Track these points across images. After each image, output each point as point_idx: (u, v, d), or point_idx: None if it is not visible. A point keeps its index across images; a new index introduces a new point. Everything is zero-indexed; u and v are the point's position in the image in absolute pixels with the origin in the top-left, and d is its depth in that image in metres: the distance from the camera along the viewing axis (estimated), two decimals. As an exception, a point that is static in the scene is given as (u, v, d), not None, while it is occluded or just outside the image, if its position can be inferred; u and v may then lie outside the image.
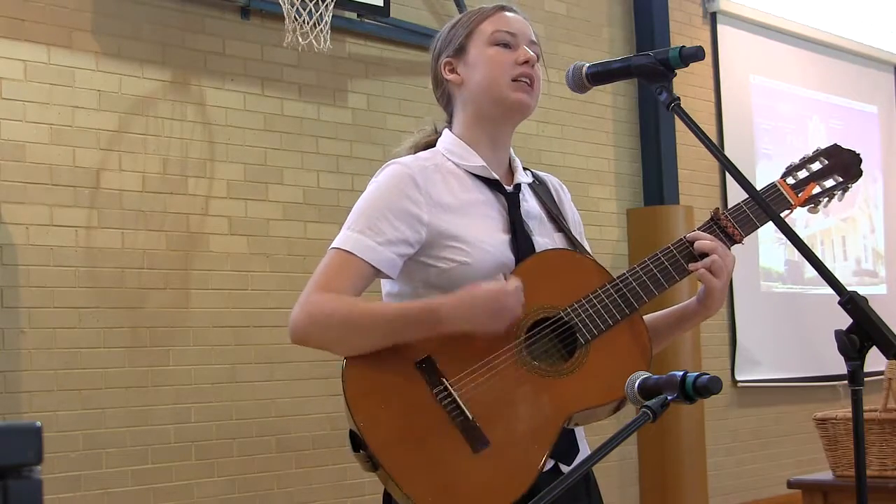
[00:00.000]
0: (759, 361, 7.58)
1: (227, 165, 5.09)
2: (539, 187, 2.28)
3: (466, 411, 2.01)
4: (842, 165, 2.28)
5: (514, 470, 2.00)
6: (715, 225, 2.18)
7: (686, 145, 7.11)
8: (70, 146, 4.63)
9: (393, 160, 2.19)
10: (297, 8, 4.86)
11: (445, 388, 2.02)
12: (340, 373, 2.05)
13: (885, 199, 8.99)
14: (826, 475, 3.79)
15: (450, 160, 2.19)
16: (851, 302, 1.69)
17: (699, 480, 6.72)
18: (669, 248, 2.16)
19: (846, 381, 1.72)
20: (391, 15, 5.54)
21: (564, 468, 2.10)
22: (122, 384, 4.68)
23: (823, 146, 2.31)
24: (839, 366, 1.70)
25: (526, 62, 2.17)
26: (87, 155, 4.67)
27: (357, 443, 2.03)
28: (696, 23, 7.60)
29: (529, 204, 2.22)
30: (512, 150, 2.28)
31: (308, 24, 4.87)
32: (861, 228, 8.78)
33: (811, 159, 2.28)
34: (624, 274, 2.13)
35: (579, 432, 2.18)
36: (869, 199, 8.89)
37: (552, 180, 2.34)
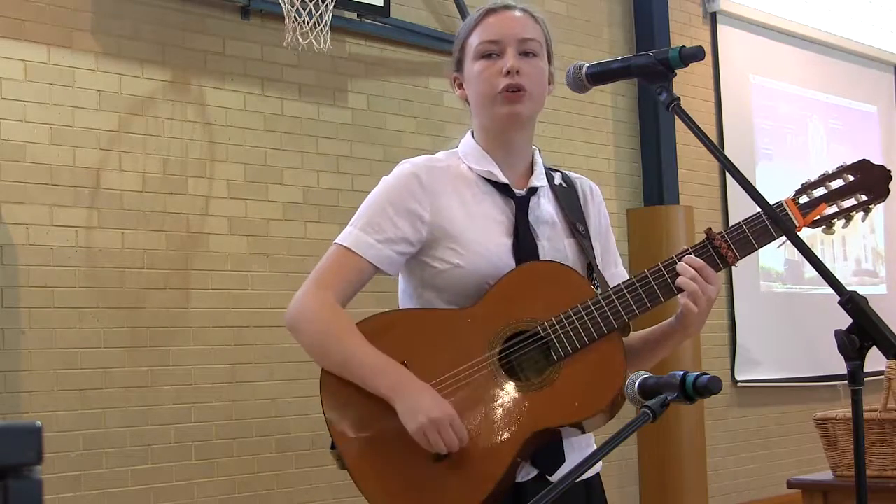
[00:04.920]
0: (759, 361, 7.58)
1: (227, 165, 5.09)
2: (564, 191, 2.26)
3: None
4: (868, 182, 2.15)
5: (470, 481, 2.01)
6: (709, 245, 2.10)
7: (686, 145, 7.11)
8: (70, 146, 4.63)
9: (405, 160, 2.21)
10: (297, 8, 4.86)
11: None
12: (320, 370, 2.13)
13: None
14: (826, 475, 3.79)
15: (464, 163, 2.21)
16: (851, 302, 1.69)
17: (699, 480, 6.72)
18: (658, 266, 2.10)
19: (846, 381, 1.71)
20: (391, 15, 5.54)
21: (550, 479, 2.08)
22: (122, 384, 4.68)
23: (849, 161, 2.17)
24: (839, 366, 1.70)
25: (508, 73, 2.13)
26: (87, 155, 4.67)
27: (332, 441, 2.10)
28: (696, 23, 7.60)
29: (542, 208, 2.20)
30: (538, 152, 2.26)
31: (308, 24, 4.87)
32: (861, 228, 8.78)
33: (832, 176, 2.15)
34: (608, 291, 2.09)
35: (576, 442, 2.15)
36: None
37: (583, 183, 2.31)
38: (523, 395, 2.04)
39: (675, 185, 7.06)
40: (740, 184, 1.83)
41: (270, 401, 5.12)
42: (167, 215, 4.88)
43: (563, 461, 2.11)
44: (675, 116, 1.92)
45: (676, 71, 1.95)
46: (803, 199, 2.14)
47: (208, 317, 4.96)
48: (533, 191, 2.21)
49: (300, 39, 4.86)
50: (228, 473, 4.95)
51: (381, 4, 5.45)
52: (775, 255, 7.90)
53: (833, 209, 2.15)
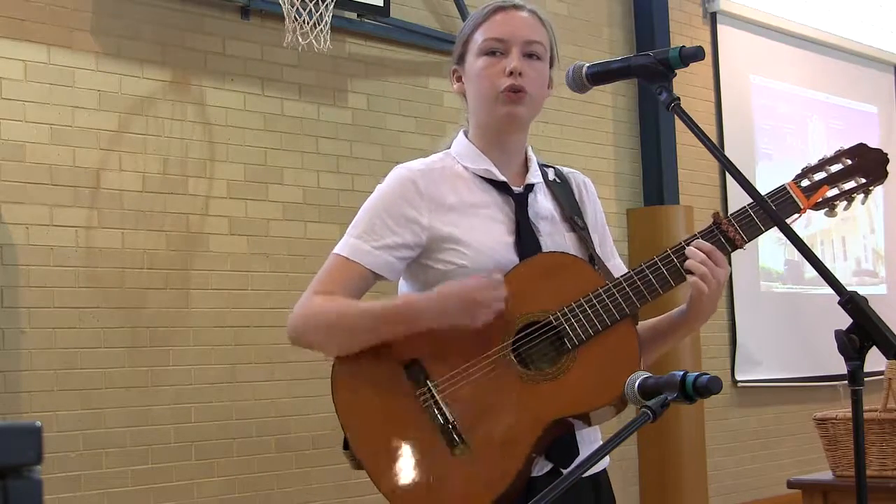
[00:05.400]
0: (759, 361, 7.58)
1: (227, 165, 5.09)
2: (558, 186, 2.26)
3: (447, 413, 2.02)
4: (865, 166, 2.19)
5: (489, 474, 2.00)
6: (716, 229, 2.13)
7: (686, 145, 7.11)
8: (70, 146, 4.63)
9: (400, 164, 2.20)
10: (297, 8, 4.86)
11: (429, 390, 2.04)
12: (331, 369, 2.10)
13: (885, 199, 8.99)
14: (826, 475, 3.79)
15: (459, 163, 2.20)
16: (851, 302, 1.69)
17: (699, 480, 6.72)
18: (667, 252, 2.12)
19: (846, 381, 1.71)
20: (391, 15, 5.54)
21: (565, 472, 2.08)
22: (122, 384, 4.68)
23: (847, 146, 2.22)
24: (839, 366, 1.70)
25: (511, 73, 2.12)
26: (87, 155, 4.67)
27: (345, 441, 2.09)
28: (696, 23, 7.60)
29: (541, 204, 2.20)
30: (531, 149, 2.26)
31: (308, 24, 4.87)
32: (861, 228, 8.78)
33: (831, 160, 2.20)
34: (618, 278, 2.10)
35: (587, 436, 2.15)
36: (869, 199, 8.87)
37: (577, 178, 2.32)
38: (539, 385, 2.04)
39: (675, 185, 7.06)
40: (740, 184, 1.84)
41: (270, 401, 5.12)
42: (167, 215, 4.88)
43: (578, 454, 2.11)
44: (675, 116, 1.92)
45: (676, 71, 1.95)
46: (805, 183, 2.17)
47: (208, 317, 4.96)
48: (529, 187, 2.21)
49: (300, 39, 4.86)
50: (228, 473, 4.95)
51: (381, 4, 5.45)
52: (775, 255, 7.91)
53: (834, 191, 2.18)
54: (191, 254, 4.94)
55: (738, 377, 7.46)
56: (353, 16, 5.51)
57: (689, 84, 7.20)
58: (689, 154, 7.17)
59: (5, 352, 4.40)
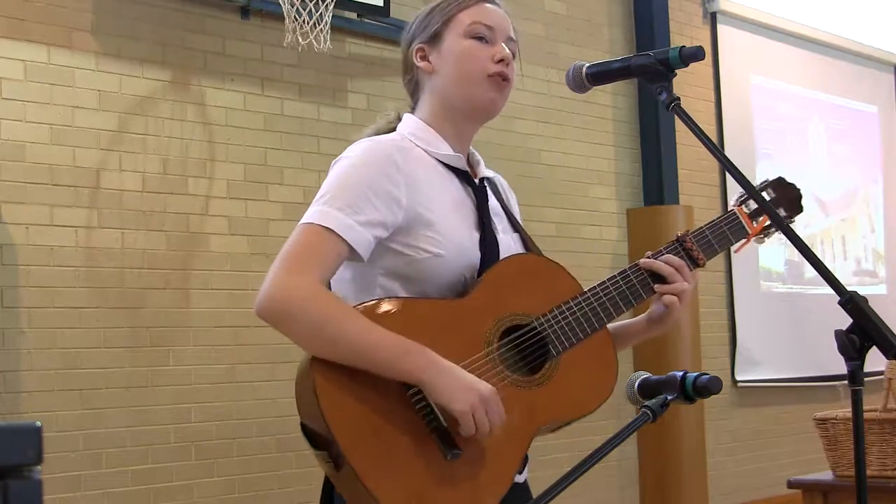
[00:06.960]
0: (759, 361, 7.58)
1: (227, 165, 5.09)
2: (493, 185, 2.22)
3: (440, 416, 1.92)
4: (785, 199, 2.30)
5: (486, 480, 1.94)
6: (680, 247, 2.17)
7: (686, 145, 7.11)
8: (70, 146, 4.63)
9: (366, 138, 2.10)
10: (297, 8, 4.86)
11: (420, 391, 1.92)
12: (308, 364, 1.94)
13: (885, 199, 8.99)
14: (826, 475, 3.78)
15: (417, 146, 2.10)
16: (851, 302, 1.69)
17: (699, 480, 6.72)
18: (637, 265, 2.14)
19: (846, 381, 1.71)
20: (391, 15, 5.54)
21: (517, 477, 2.05)
22: (122, 384, 4.68)
23: (770, 178, 2.32)
24: (839, 366, 1.70)
25: (502, 60, 2.10)
26: (87, 155, 4.68)
27: (315, 441, 1.96)
28: (696, 23, 7.60)
29: (493, 200, 2.16)
30: (471, 147, 2.21)
31: (308, 24, 4.87)
32: (861, 228, 8.78)
33: (760, 190, 2.28)
34: (595, 287, 2.10)
35: None
36: (869, 199, 8.89)
37: (500, 180, 2.26)
38: (528, 390, 2.01)
39: (675, 185, 7.07)
40: (740, 184, 1.84)
41: (270, 401, 5.12)
42: (167, 215, 4.88)
43: (527, 460, 2.10)
44: (675, 116, 1.93)
45: (676, 71, 1.95)
46: (746, 210, 2.26)
47: (208, 317, 4.96)
48: (482, 181, 2.16)
49: (300, 39, 4.86)
50: (228, 473, 4.95)
51: (381, 4, 5.45)
52: (775, 255, 7.91)
53: (768, 221, 2.26)
54: (191, 254, 4.94)
55: (738, 377, 7.46)
56: (353, 16, 5.51)
57: (689, 84, 7.20)
58: (689, 154, 7.17)
59: (5, 352, 4.40)
